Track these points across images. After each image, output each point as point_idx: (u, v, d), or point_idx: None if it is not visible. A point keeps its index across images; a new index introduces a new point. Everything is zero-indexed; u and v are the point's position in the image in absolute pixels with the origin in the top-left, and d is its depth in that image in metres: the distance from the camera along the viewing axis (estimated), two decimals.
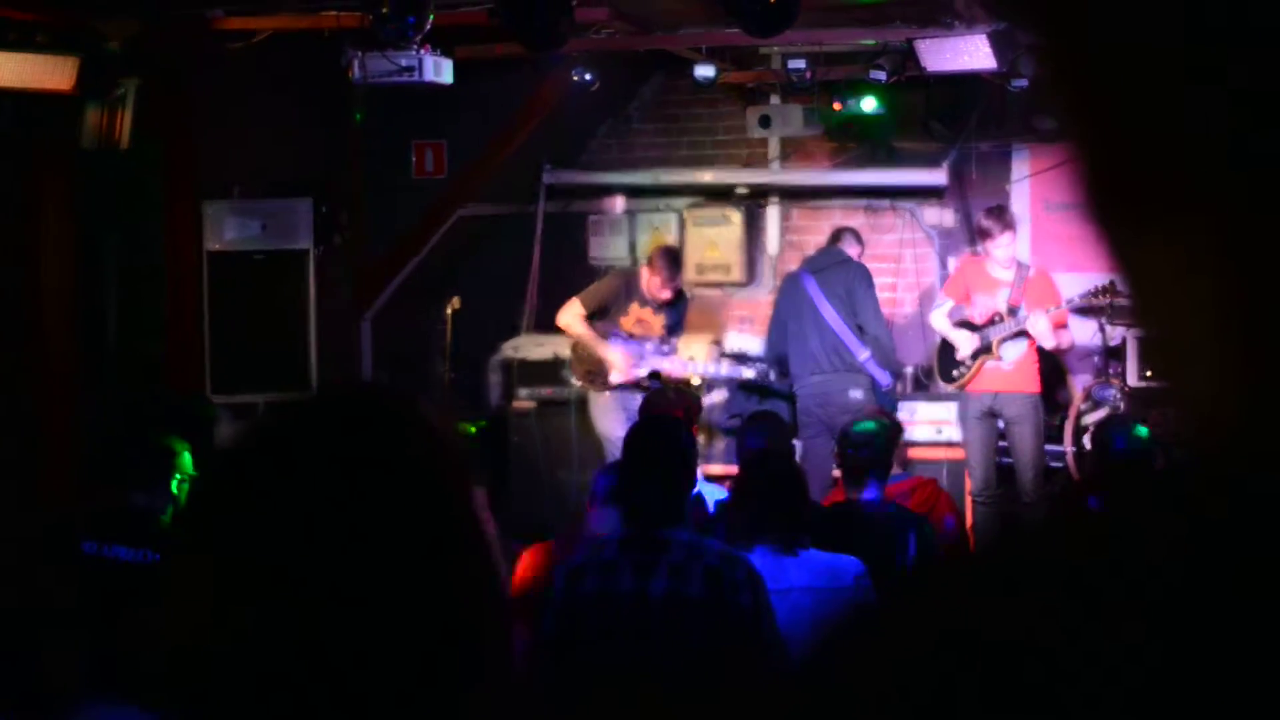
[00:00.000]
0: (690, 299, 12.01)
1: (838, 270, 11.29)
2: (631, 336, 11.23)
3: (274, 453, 1.59)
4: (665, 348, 11.27)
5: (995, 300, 10.88)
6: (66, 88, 9.76)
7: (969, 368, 10.84)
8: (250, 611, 1.51)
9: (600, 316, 11.25)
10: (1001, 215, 10.96)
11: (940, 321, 11.14)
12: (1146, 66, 0.79)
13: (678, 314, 11.50)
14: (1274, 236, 0.76)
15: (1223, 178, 0.78)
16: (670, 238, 13.19)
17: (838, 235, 11.67)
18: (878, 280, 11.71)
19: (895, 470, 8.10)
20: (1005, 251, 10.84)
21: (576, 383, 11.43)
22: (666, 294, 11.23)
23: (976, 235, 11.15)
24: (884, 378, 11.06)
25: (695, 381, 11.68)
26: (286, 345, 11.57)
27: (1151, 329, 0.84)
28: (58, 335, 10.60)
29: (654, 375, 11.04)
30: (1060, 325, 10.89)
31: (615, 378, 11.13)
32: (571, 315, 11.23)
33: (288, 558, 1.51)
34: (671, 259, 11.34)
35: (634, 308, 11.25)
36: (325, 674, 1.49)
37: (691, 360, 11.68)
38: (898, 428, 8.23)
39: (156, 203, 11.13)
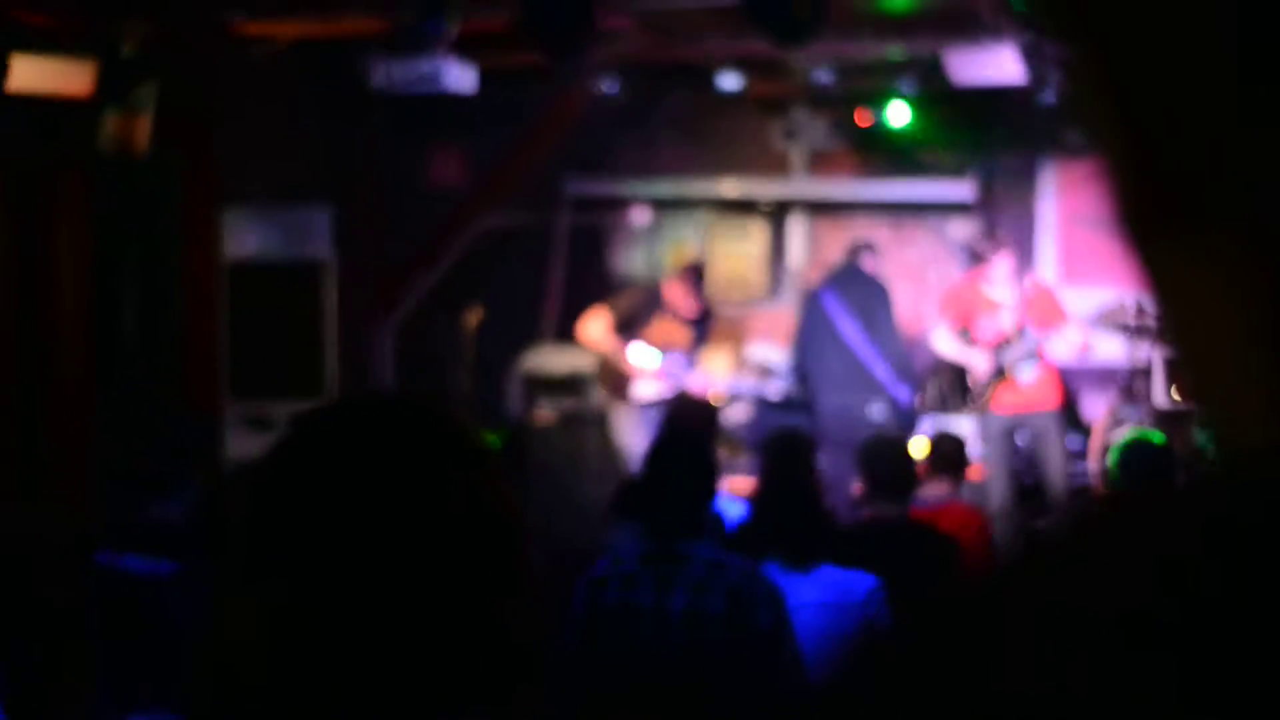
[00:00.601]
0: (713, 316, 12.04)
1: (856, 287, 11.32)
2: (657, 350, 11.24)
3: (308, 464, 1.59)
4: (690, 362, 11.28)
5: (998, 322, 10.81)
6: (85, 93, 9.75)
7: (984, 391, 10.80)
8: (286, 622, 1.52)
9: (625, 329, 11.24)
10: (995, 237, 10.97)
11: (947, 344, 11.06)
12: (1184, 79, 0.77)
13: (704, 330, 11.53)
14: None
15: (1259, 194, 0.75)
16: (692, 250, 13.17)
17: (855, 251, 11.66)
18: (901, 294, 11.70)
19: (935, 490, 8.19)
20: (1001, 270, 10.78)
21: (602, 396, 11.40)
22: (693, 309, 11.25)
23: (974, 259, 11.13)
24: (903, 395, 11.04)
25: (720, 398, 11.69)
26: (305, 354, 11.60)
27: (1184, 348, 0.81)
28: (74, 342, 10.57)
29: (679, 390, 11.11)
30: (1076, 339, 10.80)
31: (643, 390, 11.12)
32: (596, 327, 11.23)
33: (324, 571, 1.52)
34: (698, 275, 11.39)
35: (660, 321, 11.25)
36: (359, 683, 1.50)
37: (713, 379, 11.70)
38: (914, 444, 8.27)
39: (175, 209, 11.11)
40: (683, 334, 11.32)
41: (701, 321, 11.45)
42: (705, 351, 11.62)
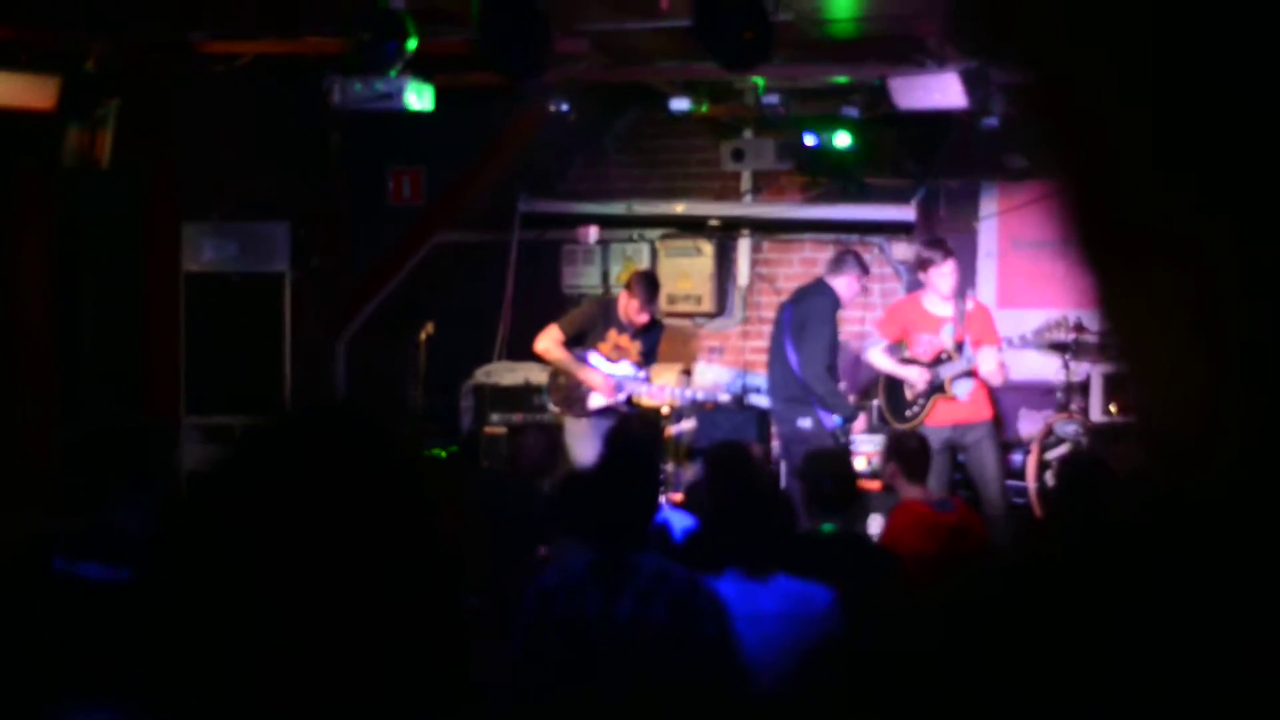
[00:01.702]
0: (663, 328, 12.12)
1: (807, 300, 11.22)
2: (609, 362, 11.31)
3: (248, 476, 1.66)
4: (642, 374, 11.35)
5: (940, 337, 10.88)
6: (48, 107, 9.78)
7: (922, 407, 10.86)
8: (227, 624, 1.58)
9: (577, 343, 11.29)
10: (942, 244, 10.95)
11: (881, 358, 11.11)
12: (1128, 107, 0.82)
13: (653, 340, 11.60)
14: (1242, 277, 0.79)
15: (1195, 218, 0.81)
16: (643, 268, 13.23)
17: (836, 259, 11.51)
18: (845, 313, 11.68)
19: (917, 492, 8.18)
20: (948, 282, 10.80)
21: (554, 409, 11.44)
22: (644, 318, 11.31)
23: (917, 269, 11.07)
24: (827, 416, 11.00)
25: (666, 410, 11.79)
26: (262, 367, 11.60)
27: (1128, 365, 0.86)
28: (35, 352, 10.60)
29: (630, 402, 11.18)
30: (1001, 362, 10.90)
31: (596, 401, 11.23)
32: (549, 341, 11.26)
33: (262, 575, 1.59)
34: (650, 284, 11.43)
35: (611, 334, 11.31)
36: (298, 682, 1.57)
37: (667, 386, 11.79)
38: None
39: (136, 223, 11.14)
40: (633, 346, 11.39)
41: (650, 332, 11.54)
42: (655, 365, 11.69)
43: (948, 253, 10.86)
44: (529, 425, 11.38)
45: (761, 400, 12.39)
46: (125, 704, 4.43)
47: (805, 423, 10.90)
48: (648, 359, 11.46)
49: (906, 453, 8.39)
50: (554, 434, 10.12)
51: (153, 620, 1.68)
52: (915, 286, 12.70)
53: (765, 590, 5.82)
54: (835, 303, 11.16)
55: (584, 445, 11.13)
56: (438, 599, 1.65)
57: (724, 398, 11.97)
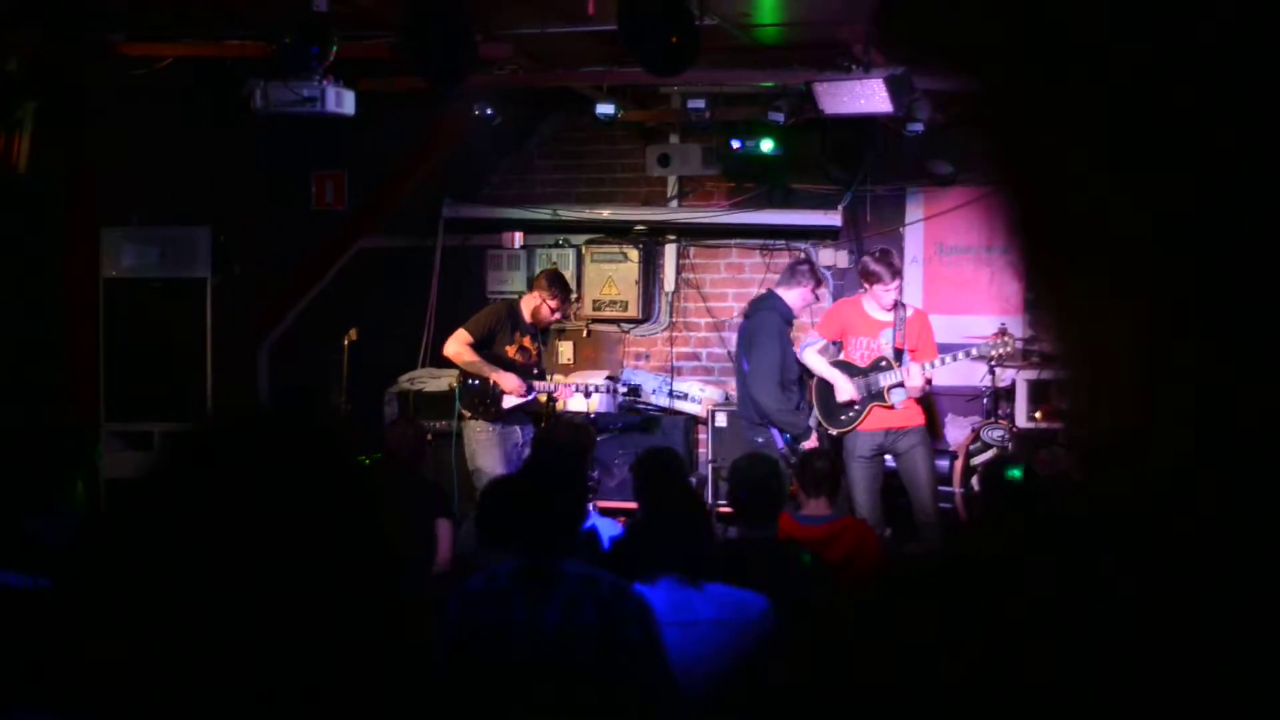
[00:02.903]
0: (587, 334, 12.18)
1: (756, 315, 11.17)
2: (515, 363, 11.34)
3: (181, 480, 1.63)
4: (539, 373, 11.46)
5: (879, 343, 10.88)
6: None
7: (859, 413, 10.84)
8: (159, 631, 1.56)
9: (485, 345, 11.31)
10: (890, 261, 10.89)
11: (815, 360, 11.06)
12: (1064, 113, 0.82)
13: (546, 338, 11.82)
14: (1186, 280, 0.80)
15: (1129, 220, 0.81)
16: (568, 273, 13.23)
17: (789, 269, 11.41)
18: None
19: (818, 509, 8.24)
20: (891, 297, 10.82)
21: (466, 414, 11.38)
22: (557, 317, 11.45)
23: (862, 276, 11.05)
24: (778, 433, 10.98)
25: (585, 404, 11.85)
26: (183, 374, 11.51)
27: (1066, 369, 0.87)
28: None
29: (550, 397, 11.26)
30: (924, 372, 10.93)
31: (510, 402, 11.20)
32: (459, 344, 11.26)
33: (195, 581, 1.56)
34: (565, 283, 11.58)
35: (517, 335, 11.37)
36: (236, 689, 1.54)
37: (574, 383, 11.85)
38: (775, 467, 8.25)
39: (55, 227, 11.03)
40: (535, 347, 11.48)
41: (546, 331, 11.74)
42: (579, 373, 11.73)
43: (896, 273, 10.82)
44: (394, 421, 11.49)
45: (690, 406, 12.40)
46: (61, 708, 4.39)
47: (759, 438, 10.90)
48: (540, 356, 11.58)
49: (809, 471, 8.48)
50: (418, 426, 10.18)
51: (79, 629, 1.64)
52: (841, 292, 12.76)
53: (700, 597, 5.85)
54: (783, 315, 11.08)
55: (487, 456, 11.12)
56: (373, 604, 1.63)
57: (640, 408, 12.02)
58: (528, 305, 11.47)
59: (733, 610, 5.84)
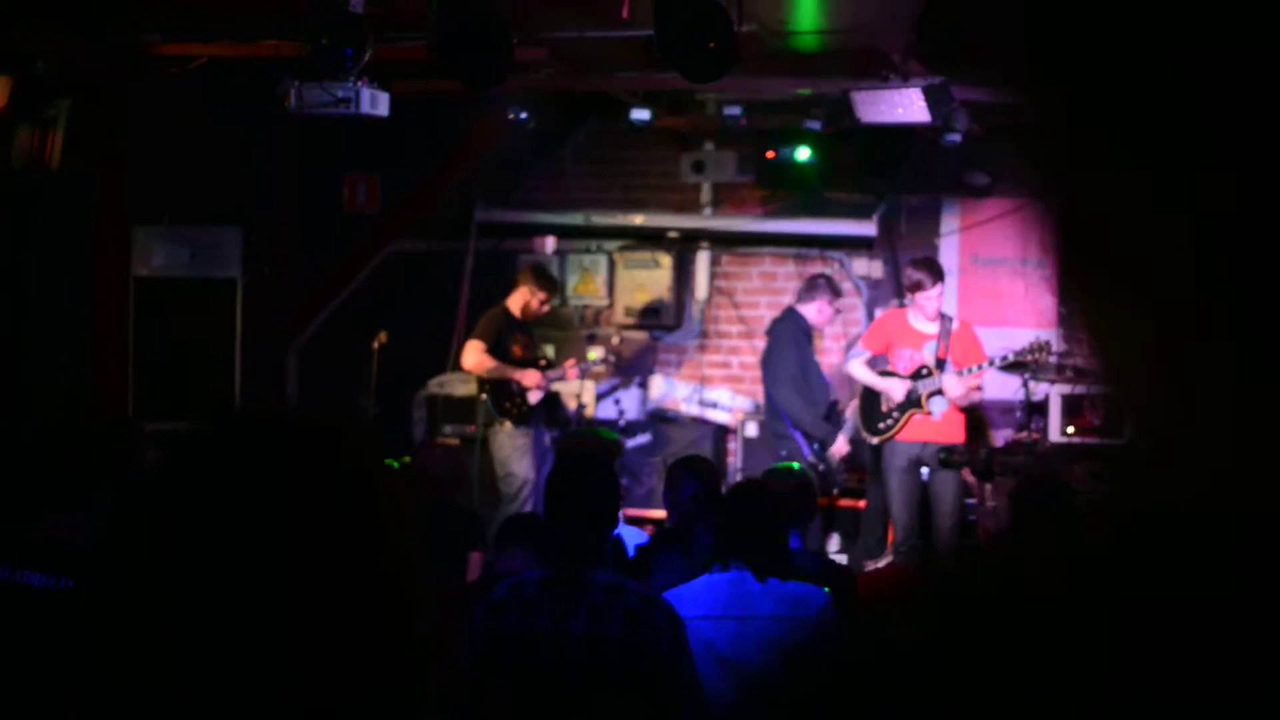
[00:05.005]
0: (620, 341, 12.24)
1: (774, 329, 11.38)
2: (525, 360, 11.54)
3: (196, 483, 1.60)
4: (546, 364, 11.62)
5: (922, 353, 10.89)
6: None
7: (896, 420, 10.83)
8: (174, 633, 1.53)
9: (496, 351, 11.52)
10: (933, 268, 10.95)
11: (861, 370, 11.10)
12: (1105, 117, 0.81)
13: (532, 331, 12.06)
14: (1227, 293, 0.79)
15: (1169, 228, 0.80)
16: (599, 278, 13.23)
17: (807, 285, 11.63)
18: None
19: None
20: (934, 304, 10.85)
21: (502, 418, 11.43)
22: (545, 310, 11.81)
23: (906, 287, 11.06)
24: (805, 443, 11.02)
25: (597, 360, 12.15)
26: (212, 374, 11.50)
27: (1111, 385, 0.87)
28: None
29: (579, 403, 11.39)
30: (974, 386, 10.93)
31: (535, 396, 11.37)
32: (476, 354, 11.48)
33: (209, 582, 1.53)
34: (550, 276, 12.00)
35: (517, 336, 11.56)
36: (250, 690, 1.52)
37: (575, 364, 11.94)
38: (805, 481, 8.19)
39: (86, 226, 11.04)
40: (527, 340, 11.73)
41: (535, 325, 12.02)
42: (608, 380, 11.78)
43: (938, 277, 10.88)
44: (431, 444, 11.67)
45: (720, 415, 12.37)
46: (69, 710, 4.37)
47: (782, 451, 10.96)
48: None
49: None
50: (456, 452, 10.25)
51: (98, 629, 1.61)
52: (875, 303, 12.76)
53: (761, 591, 5.92)
54: (799, 327, 11.28)
55: (523, 461, 11.21)
56: (390, 614, 1.61)
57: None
58: (516, 303, 11.75)
59: (791, 606, 5.88)
